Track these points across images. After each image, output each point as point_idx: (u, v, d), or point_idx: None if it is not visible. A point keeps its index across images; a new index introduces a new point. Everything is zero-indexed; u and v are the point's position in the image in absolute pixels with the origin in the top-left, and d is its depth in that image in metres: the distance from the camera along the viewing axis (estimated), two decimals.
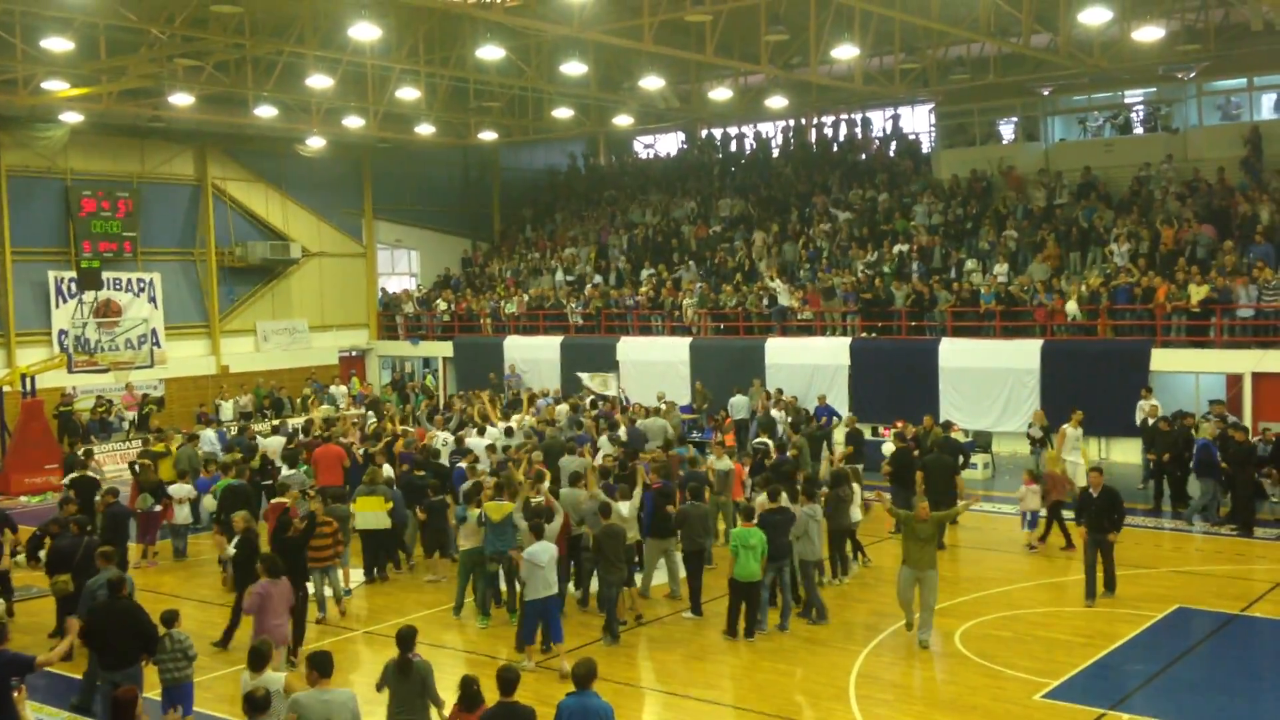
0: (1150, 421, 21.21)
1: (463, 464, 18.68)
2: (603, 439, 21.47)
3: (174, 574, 18.42)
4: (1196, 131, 30.09)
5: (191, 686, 11.33)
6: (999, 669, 12.76)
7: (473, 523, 15.07)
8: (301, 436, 23.15)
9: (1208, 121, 30.16)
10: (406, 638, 9.80)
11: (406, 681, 9.56)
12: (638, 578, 15.91)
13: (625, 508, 15.18)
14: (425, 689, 9.62)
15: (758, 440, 21.51)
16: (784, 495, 14.62)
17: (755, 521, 14.09)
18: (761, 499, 14.96)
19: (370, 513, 17.19)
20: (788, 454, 19.38)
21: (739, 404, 27.21)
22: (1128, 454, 24.51)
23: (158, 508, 18.82)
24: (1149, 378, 23.95)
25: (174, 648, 11.08)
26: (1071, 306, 25.56)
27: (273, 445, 22.36)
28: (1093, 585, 15.05)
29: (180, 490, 19.08)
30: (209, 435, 25.03)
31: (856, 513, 16.82)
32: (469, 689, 8.95)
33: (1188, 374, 24.89)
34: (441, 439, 21.95)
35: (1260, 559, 17.25)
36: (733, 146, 41.92)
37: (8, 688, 9.95)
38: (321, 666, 9.09)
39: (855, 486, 16.85)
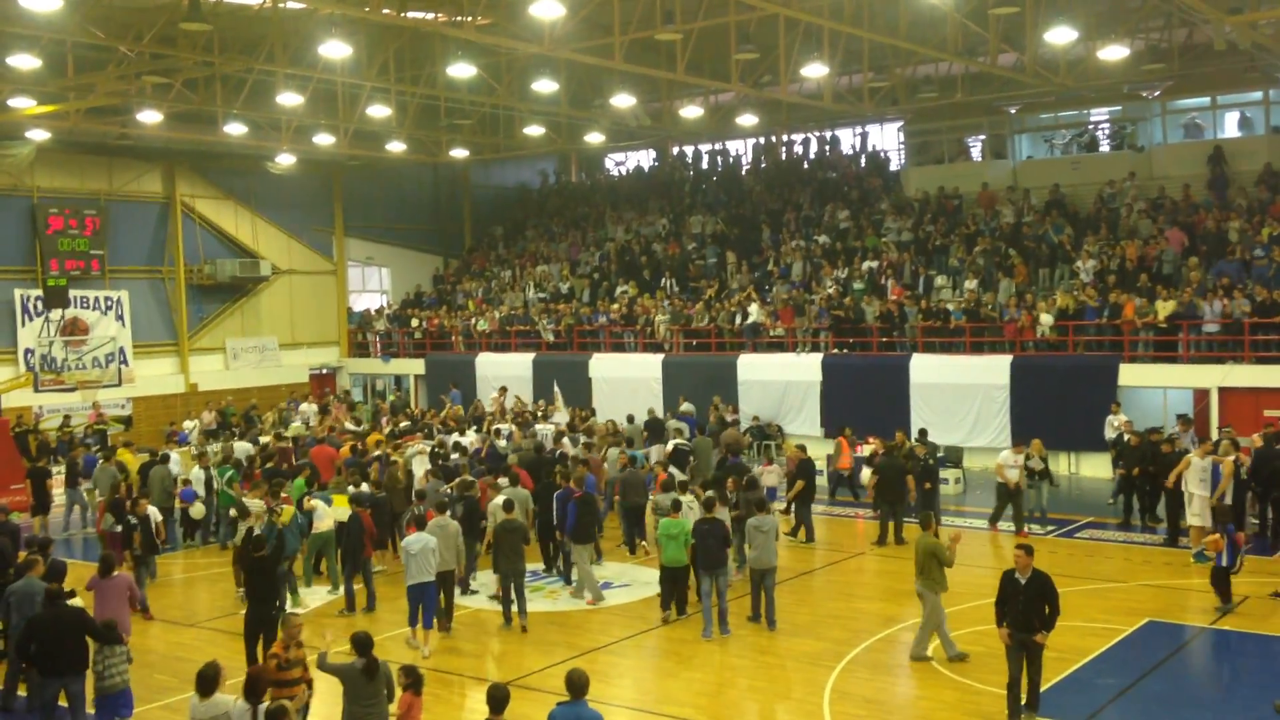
0: (1125, 436, 21.34)
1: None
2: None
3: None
4: (1161, 149, 30.48)
5: (129, 693, 11.57)
6: (972, 683, 12.78)
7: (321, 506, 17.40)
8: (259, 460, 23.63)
9: (1172, 139, 30.56)
10: (365, 642, 10.20)
11: (372, 682, 9.98)
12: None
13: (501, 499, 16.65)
14: (388, 685, 10.14)
15: (680, 443, 23.16)
16: (719, 506, 15.60)
17: (679, 514, 15.58)
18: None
19: (342, 509, 17.84)
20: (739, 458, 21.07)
21: (688, 411, 27.36)
22: (1097, 469, 24.71)
23: (119, 528, 18.47)
24: (1117, 393, 24.18)
25: (120, 651, 11.39)
26: (1046, 319, 25.75)
27: (240, 450, 23.31)
28: (1016, 700, 11.50)
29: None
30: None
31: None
32: (414, 674, 9.93)
33: (1155, 389, 25.13)
34: (416, 448, 22.35)
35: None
36: (704, 164, 42.08)
37: None
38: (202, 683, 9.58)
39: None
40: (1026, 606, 11.40)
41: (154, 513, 18.78)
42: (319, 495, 18.04)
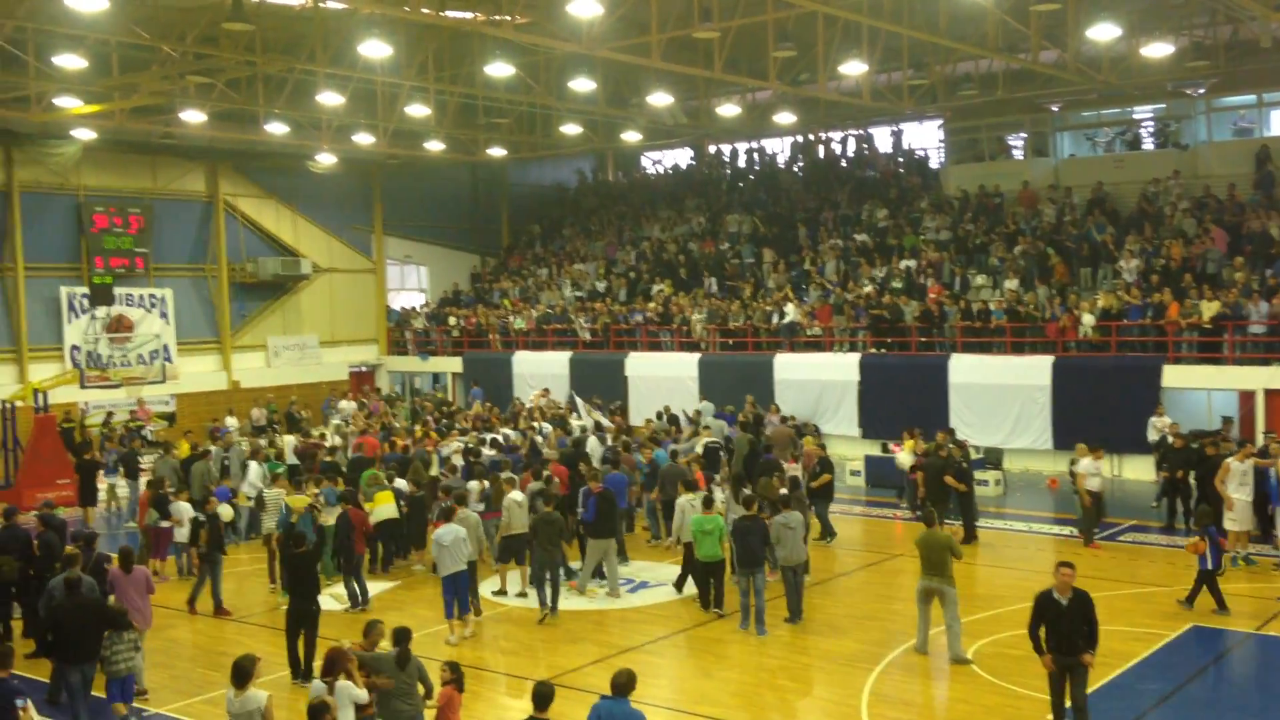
0: (1169, 438, 21.04)
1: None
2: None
3: (181, 591, 18.10)
4: (1206, 147, 30.07)
5: (132, 678, 12.07)
6: (1012, 688, 12.66)
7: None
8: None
9: (1218, 137, 30.13)
10: (403, 634, 10.45)
11: (404, 671, 10.15)
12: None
13: (517, 494, 16.91)
14: (422, 678, 10.34)
15: (711, 440, 23.19)
16: (757, 504, 15.60)
17: (711, 510, 15.73)
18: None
19: (384, 505, 18.44)
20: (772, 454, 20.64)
21: (706, 409, 27.23)
22: (1139, 471, 24.41)
23: (164, 524, 18.65)
24: (1160, 394, 23.88)
25: (129, 639, 11.81)
26: (1088, 319, 25.45)
27: (286, 443, 24.23)
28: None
29: (180, 509, 18.69)
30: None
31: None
32: (457, 670, 10.17)
33: (1199, 391, 24.77)
34: (454, 447, 22.63)
35: (1276, 577, 17.12)
36: (741, 162, 41.97)
37: (12, 706, 10.02)
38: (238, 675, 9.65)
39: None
40: (1071, 629, 10.72)
41: (188, 509, 18.68)
42: (325, 491, 18.41)
